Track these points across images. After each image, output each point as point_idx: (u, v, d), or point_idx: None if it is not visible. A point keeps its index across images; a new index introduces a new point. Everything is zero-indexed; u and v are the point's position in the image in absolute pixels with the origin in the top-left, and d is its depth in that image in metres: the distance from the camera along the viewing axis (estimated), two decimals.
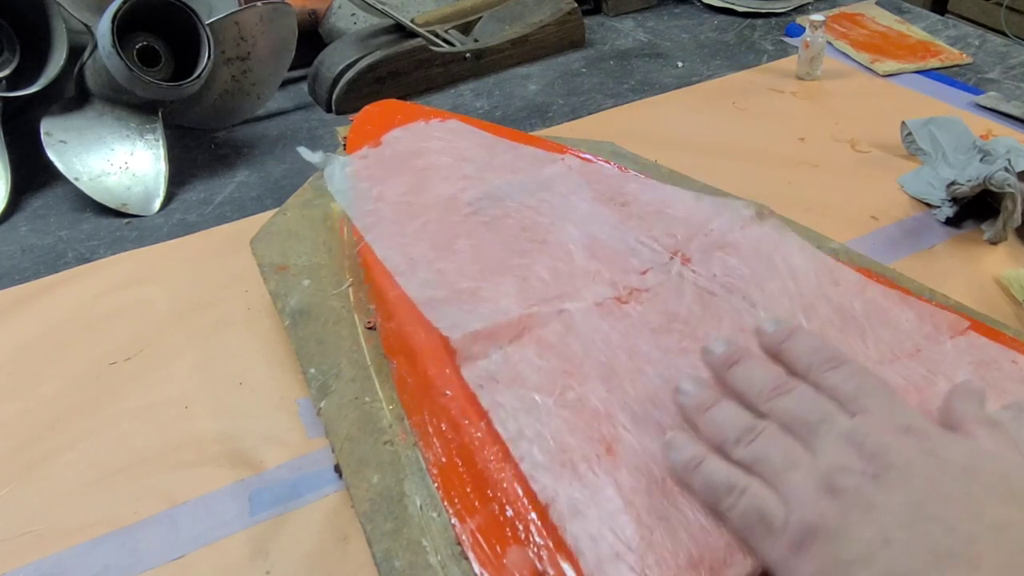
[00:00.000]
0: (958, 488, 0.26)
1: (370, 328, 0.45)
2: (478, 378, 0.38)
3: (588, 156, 0.55)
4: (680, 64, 0.83)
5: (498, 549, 0.32)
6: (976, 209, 0.55)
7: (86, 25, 0.66)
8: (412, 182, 0.52)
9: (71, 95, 0.68)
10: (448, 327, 0.40)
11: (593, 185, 0.51)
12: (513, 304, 0.41)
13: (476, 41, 0.85)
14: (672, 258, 0.44)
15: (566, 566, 0.31)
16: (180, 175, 0.68)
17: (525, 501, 0.34)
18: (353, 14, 0.86)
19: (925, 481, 0.27)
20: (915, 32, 0.86)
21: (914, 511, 0.26)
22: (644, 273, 0.43)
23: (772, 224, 0.46)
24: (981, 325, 0.41)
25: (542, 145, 0.60)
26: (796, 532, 0.28)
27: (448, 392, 0.39)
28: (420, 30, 0.79)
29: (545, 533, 0.32)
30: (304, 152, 0.55)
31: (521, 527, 0.33)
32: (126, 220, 0.63)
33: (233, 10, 0.70)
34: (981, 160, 0.56)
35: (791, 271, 0.42)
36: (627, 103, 0.76)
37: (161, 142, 0.67)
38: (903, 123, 0.64)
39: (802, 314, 0.40)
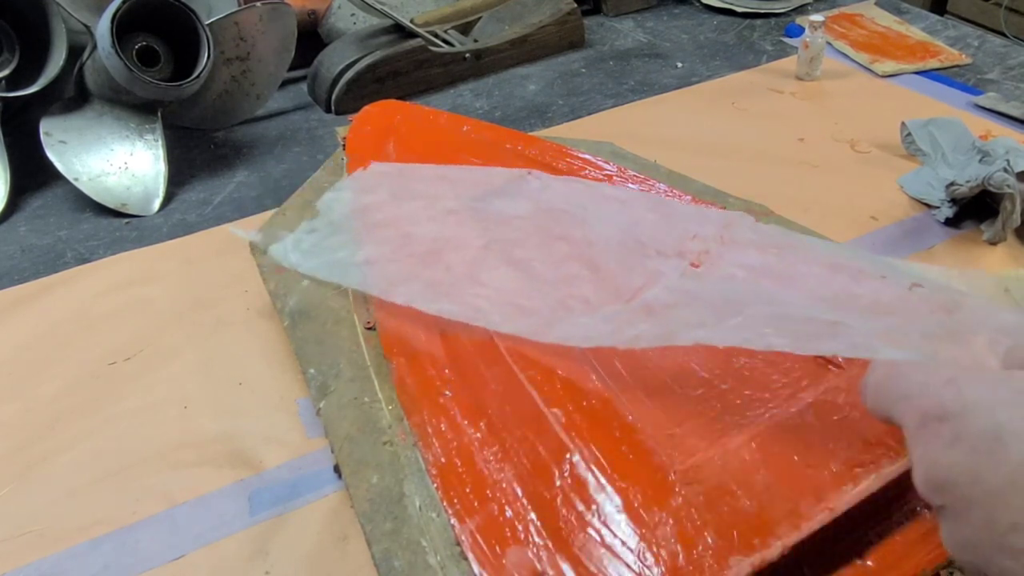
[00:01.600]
0: None
1: (369, 329, 0.45)
2: None
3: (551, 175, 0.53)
4: (680, 64, 0.83)
5: (497, 549, 0.32)
6: (975, 209, 0.55)
7: (85, 25, 0.66)
8: (394, 238, 0.48)
9: (71, 95, 0.68)
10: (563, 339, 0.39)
11: (597, 194, 0.50)
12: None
13: (476, 41, 0.85)
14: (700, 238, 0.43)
15: (566, 566, 0.31)
16: (180, 175, 0.68)
17: (524, 502, 0.34)
18: (353, 14, 0.86)
19: None
20: (914, 32, 0.86)
21: None
22: (694, 239, 0.43)
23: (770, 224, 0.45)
24: None
25: (543, 146, 0.60)
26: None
27: (448, 392, 0.39)
28: (420, 30, 0.79)
29: (545, 534, 0.32)
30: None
31: (520, 527, 0.33)
32: (126, 220, 0.63)
33: (233, 10, 0.70)
34: (980, 161, 0.56)
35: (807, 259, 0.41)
36: (627, 103, 0.76)
37: (161, 142, 0.67)
38: (903, 124, 0.64)
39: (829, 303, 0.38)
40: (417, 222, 0.49)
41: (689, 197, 0.54)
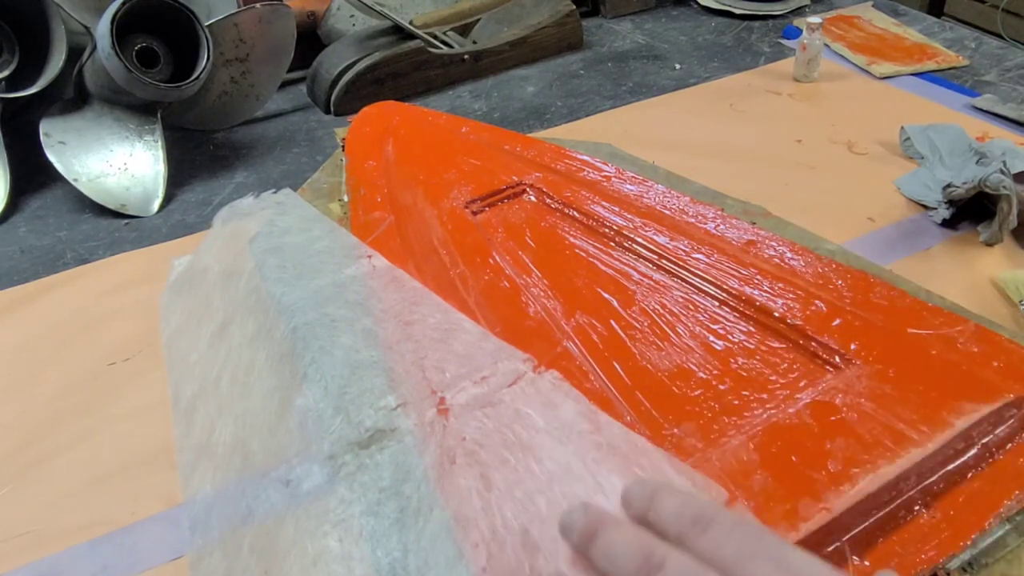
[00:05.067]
0: None
1: None
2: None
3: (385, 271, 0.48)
4: (678, 66, 0.84)
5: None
6: (972, 211, 0.55)
7: (85, 26, 0.66)
8: (216, 288, 0.47)
9: (70, 96, 0.69)
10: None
11: (387, 295, 0.46)
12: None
13: (474, 43, 0.85)
14: (431, 397, 0.38)
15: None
16: (179, 176, 0.68)
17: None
18: (352, 16, 0.86)
19: None
20: (912, 34, 0.86)
21: None
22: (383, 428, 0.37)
23: (548, 380, 0.38)
24: (978, 327, 0.42)
25: (541, 147, 0.61)
26: None
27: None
28: (419, 32, 0.80)
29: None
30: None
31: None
32: (125, 221, 0.63)
33: (232, 12, 0.70)
34: (977, 162, 0.56)
35: (541, 448, 0.34)
36: (625, 105, 0.76)
37: (160, 143, 0.67)
38: (902, 128, 0.64)
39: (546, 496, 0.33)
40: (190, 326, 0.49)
41: (688, 198, 0.54)
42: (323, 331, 0.42)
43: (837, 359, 0.39)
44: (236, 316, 0.46)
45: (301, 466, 0.36)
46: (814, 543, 0.31)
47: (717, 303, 0.44)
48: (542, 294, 0.46)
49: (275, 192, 0.57)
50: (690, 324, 0.43)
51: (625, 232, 0.50)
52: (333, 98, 0.77)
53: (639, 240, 0.49)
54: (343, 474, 0.35)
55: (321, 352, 0.41)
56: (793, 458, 0.34)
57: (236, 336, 0.45)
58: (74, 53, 0.67)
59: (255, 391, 0.41)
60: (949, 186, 0.54)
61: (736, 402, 0.38)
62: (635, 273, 0.47)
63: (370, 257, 0.49)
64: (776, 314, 0.42)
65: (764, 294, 0.44)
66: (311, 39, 0.85)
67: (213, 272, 0.50)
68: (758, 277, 0.45)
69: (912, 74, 0.78)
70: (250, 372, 0.42)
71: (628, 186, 0.56)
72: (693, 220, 0.51)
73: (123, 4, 0.61)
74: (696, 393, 0.38)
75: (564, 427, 0.35)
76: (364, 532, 0.33)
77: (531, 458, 0.33)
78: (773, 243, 0.49)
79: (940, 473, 0.34)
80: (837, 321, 0.41)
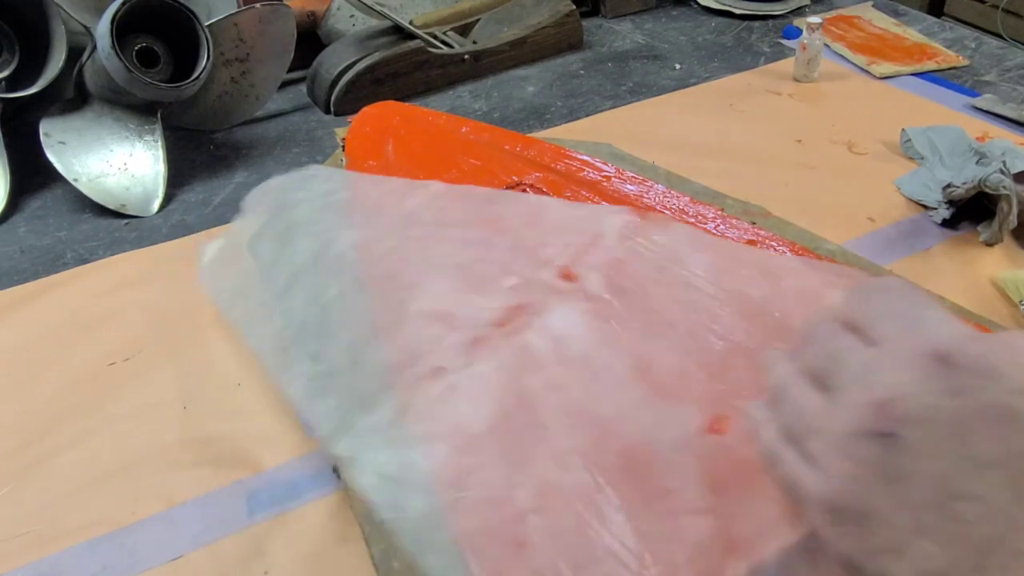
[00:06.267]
0: (996, 446, 0.21)
1: None
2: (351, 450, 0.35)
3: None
4: (678, 66, 0.84)
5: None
6: (972, 211, 0.55)
7: (85, 26, 0.66)
8: (275, 248, 0.48)
9: (70, 96, 0.69)
10: (329, 431, 0.37)
11: (461, 207, 0.48)
12: (389, 379, 0.37)
13: (474, 43, 0.85)
14: (550, 267, 0.40)
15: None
16: (179, 176, 0.68)
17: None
18: (352, 16, 0.86)
19: (954, 439, 0.21)
20: (912, 34, 0.86)
21: (942, 485, 0.21)
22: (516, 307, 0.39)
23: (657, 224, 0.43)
24: (978, 327, 0.41)
25: (541, 147, 0.61)
26: (822, 511, 0.24)
27: None
28: (419, 32, 0.80)
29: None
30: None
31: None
32: (125, 221, 0.63)
33: (232, 11, 0.70)
34: (977, 162, 0.56)
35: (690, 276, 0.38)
36: (625, 105, 0.76)
37: (160, 143, 0.67)
38: (903, 130, 0.64)
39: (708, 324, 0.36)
40: (298, 234, 0.49)
41: (688, 198, 0.54)
42: (415, 246, 0.44)
43: None
44: (308, 265, 0.46)
45: (444, 355, 0.37)
46: None
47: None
48: None
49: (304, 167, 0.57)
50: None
51: None
52: (333, 98, 0.77)
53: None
54: (488, 348, 0.37)
55: (424, 262, 0.42)
56: None
57: (311, 279, 0.45)
58: (74, 53, 0.67)
59: (355, 313, 0.41)
60: (949, 186, 0.54)
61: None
62: None
63: (428, 186, 0.50)
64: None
65: None
66: (311, 39, 0.85)
67: (266, 239, 0.50)
68: None
69: (912, 74, 0.78)
70: (342, 300, 0.42)
71: (628, 186, 0.56)
72: (693, 220, 0.51)
73: (123, 4, 0.61)
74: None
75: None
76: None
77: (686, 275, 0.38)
78: (773, 243, 0.49)
79: None
80: None
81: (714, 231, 0.50)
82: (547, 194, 0.54)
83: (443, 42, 0.83)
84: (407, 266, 0.43)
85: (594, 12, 0.98)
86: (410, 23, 0.80)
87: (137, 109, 0.68)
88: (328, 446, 0.36)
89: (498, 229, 0.44)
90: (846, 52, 0.83)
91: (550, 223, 0.44)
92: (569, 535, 0.30)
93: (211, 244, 0.54)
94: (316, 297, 0.43)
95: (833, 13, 0.93)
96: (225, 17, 0.69)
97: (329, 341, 0.40)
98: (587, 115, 0.74)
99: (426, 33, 0.81)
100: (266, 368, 0.43)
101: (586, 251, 0.41)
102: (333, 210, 0.49)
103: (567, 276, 0.40)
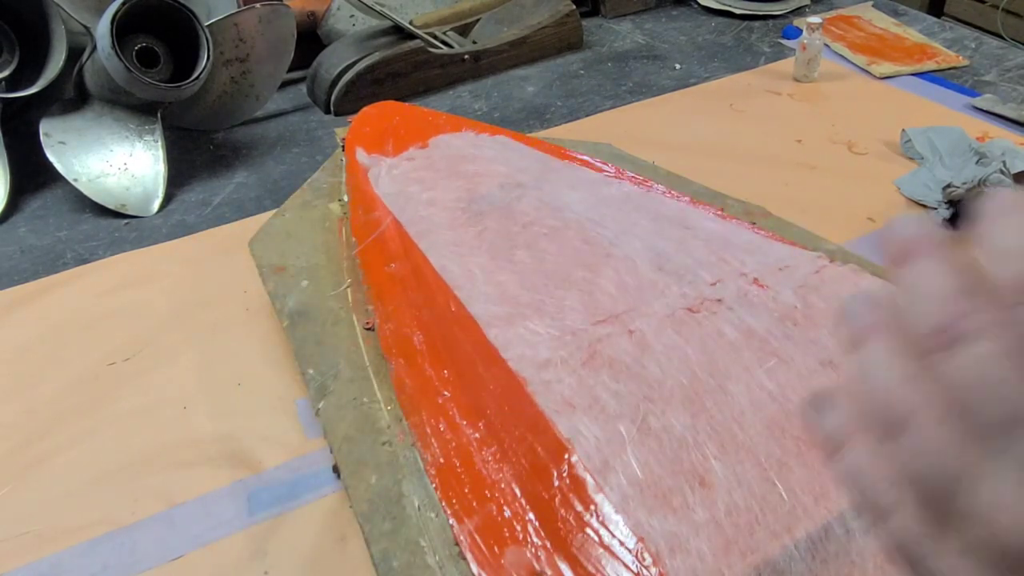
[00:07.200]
0: None
1: (368, 329, 0.45)
2: (554, 403, 0.36)
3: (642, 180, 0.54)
4: (678, 66, 0.84)
5: (496, 549, 0.33)
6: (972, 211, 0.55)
7: (85, 26, 0.66)
8: (466, 187, 0.51)
9: (70, 96, 0.69)
10: (516, 359, 0.38)
11: (655, 207, 0.50)
12: (579, 320, 0.40)
13: (474, 43, 0.85)
14: (743, 275, 0.42)
15: (564, 566, 0.31)
16: (179, 176, 0.68)
17: (523, 501, 0.34)
18: (352, 16, 0.86)
19: None
20: (912, 34, 0.86)
21: None
22: (714, 284, 0.42)
23: (849, 267, 0.44)
24: None
25: (540, 147, 0.61)
26: None
27: (446, 393, 0.39)
28: (419, 32, 0.80)
29: (543, 533, 0.32)
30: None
31: (519, 527, 0.33)
32: (125, 221, 0.63)
33: (232, 11, 0.70)
34: (977, 162, 0.56)
35: None
36: (625, 105, 0.76)
37: (160, 143, 0.67)
38: (903, 130, 0.64)
39: None
40: (489, 185, 0.52)
41: (687, 198, 0.54)
42: (611, 223, 0.47)
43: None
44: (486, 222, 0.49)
45: (639, 319, 0.40)
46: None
47: None
48: None
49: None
50: None
51: None
52: (333, 98, 0.77)
53: None
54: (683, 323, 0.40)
55: (621, 235, 0.46)
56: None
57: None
58: (74, 53, 0.67)
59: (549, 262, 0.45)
60: (949, 186, 0.54)
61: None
62: None
63: (620, 184, 0.53)
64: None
65: None
66: (311, 39, 0.85)
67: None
68: None
69: (912, 74, 0.78)
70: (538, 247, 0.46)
71: (626, 184, 0.56)
72: None
73: (123, 4, 0.61)
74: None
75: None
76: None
77: None
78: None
79: None
80: None
81: None
82: None
83: (443, 42, 0.83)
84: (602, 236, 0.46)
85: (594, 12, 0.98)
86: (410, 23, 0.80)
87: (137, 109, 0.68)
88: None
89: (692, 235, 0.47)
90: (846, 52, 0.83)
91: (740, 244, 0.46)
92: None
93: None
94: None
95: (833, 13, 0.93)
96: (225, 17, 0.69)
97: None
98: (587, 115, 0.74)
99: (426, 33, 0.81)
100: None
101: (775, 273, 0.43)
102: (526, 174, 0.53)
103: (759, 284, 0.42)
